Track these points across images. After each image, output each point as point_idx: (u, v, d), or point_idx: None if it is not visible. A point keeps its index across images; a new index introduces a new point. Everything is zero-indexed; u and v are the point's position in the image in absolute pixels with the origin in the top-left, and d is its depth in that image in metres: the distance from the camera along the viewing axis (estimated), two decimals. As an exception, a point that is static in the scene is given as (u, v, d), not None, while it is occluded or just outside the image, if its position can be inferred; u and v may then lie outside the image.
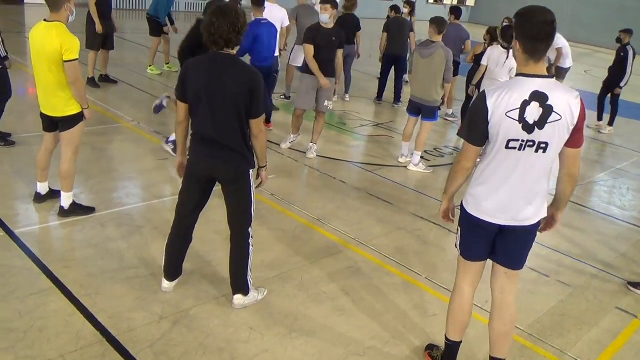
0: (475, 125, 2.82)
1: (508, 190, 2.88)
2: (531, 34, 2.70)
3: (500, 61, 7.16)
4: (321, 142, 7.13)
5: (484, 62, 7.44)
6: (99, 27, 8.24)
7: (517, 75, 2.84)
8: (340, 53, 6.74)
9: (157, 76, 9.91)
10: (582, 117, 2.74)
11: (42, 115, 4.53)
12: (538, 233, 3.14)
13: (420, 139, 6.79)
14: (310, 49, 6.46)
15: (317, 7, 9.69)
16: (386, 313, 3.94)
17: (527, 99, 2.69)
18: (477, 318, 3.94)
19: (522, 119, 2.70)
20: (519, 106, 2.69)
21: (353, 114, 9.26)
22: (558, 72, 11.00)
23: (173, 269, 3.82)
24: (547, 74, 2.78)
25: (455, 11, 9.68)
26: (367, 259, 4.65)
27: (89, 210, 4.76)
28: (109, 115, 7.49)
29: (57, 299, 3.60)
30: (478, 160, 3.00)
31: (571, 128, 2.75)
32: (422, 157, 7.01)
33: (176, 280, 3.85)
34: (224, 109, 3.34)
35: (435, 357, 3.44)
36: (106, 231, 4.55)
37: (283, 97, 9.38)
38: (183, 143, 3.64)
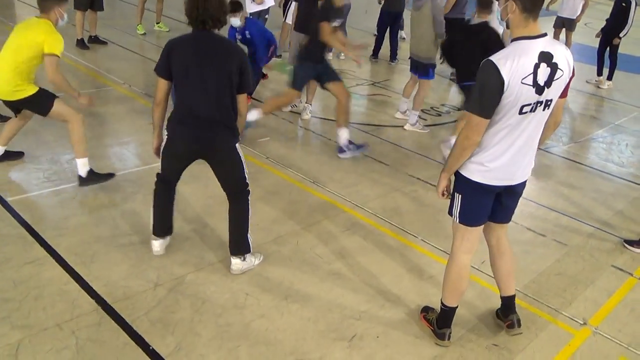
0: (489, 99, 2.70)
1: (515, 152, 2.87)
2: None
3: None
4: (316, 102, 7.03)
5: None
6: None
7: (518, 38, 2.70)
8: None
9: (148, 36, 9.69)
10: (573, 68, 2.83)
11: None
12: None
13: (417, 97, 6.68)
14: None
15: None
16: (382, 276, 3.94)
17: (537, 61, 2.65)
18: (474, 279, 3.95)
19: (535, 83, 2.66)
20: (532, 70, 2.65)
21: (349, 73, 9.10)
22: (570, 24, 10.78)
23: (163, 224, 3.79)
24: (542, 32, 2.71)
25: None
26: (362, 221, 4.63)
27: (108, 176, 4.71)
28: (99, 78, 7.35)
29: (52, 268, 3.59)
30: None
31: (567, 80, 2.79)
32: (419, 117, 6.92)
33: (167, 239, 3.83)
34: (216, 85, 3.30)
35: (430, 319, 3.45)
36: (99, 198, 4.51)
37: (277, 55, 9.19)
38: (160, 125, 3.59)
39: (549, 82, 2.69)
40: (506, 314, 3.44)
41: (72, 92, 4.48)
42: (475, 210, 3.07)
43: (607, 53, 10.04)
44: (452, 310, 3.32)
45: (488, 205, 3.08)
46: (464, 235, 3.15)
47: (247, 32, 6.55)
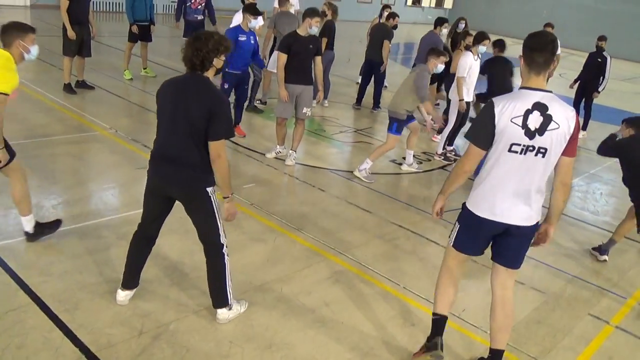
0: (484, 130, 3.13)
1: (509, 192, 3.16)
2: (532, 46, 3.09)
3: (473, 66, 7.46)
4: (300, 148, 7.17)
5: (463, 73, 7.48)
6: (70, 33, 8.13)
7: (521, 87, 3.16)
8: (319, 60, 6.78)
9: (135, 81, 9.83)
10: (577, 128, 3.09)
11: None
12: (530, 247, 3.41)
13: (378, 149, 6.90)
14: (283, 57, 6.51)
15: (293, 10, 9.83)
16: (365, 324, 3.99)
17: (530, 108, 3.03)
18: (455, 327, 4.02)
19: (524, 125, 3.03)
20: (523, 114, 3.03)
21: (332, 120, 9.31)
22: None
23: (132, 277, 3.81)
24: (546, 88, 3.10)
25: (499, 45, 9.70)
26: (345, 268, 4.70)
27: (55, 224, 4.53)
28: (85, 122, 7.43)
29: (36, 315, 3.58)
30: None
31: (567, 137, 3.07)
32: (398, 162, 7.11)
33: (132, 291, 3.84)
34: (182, 129, 3.40)
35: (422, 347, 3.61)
36: (84, 243, 4.52)
37: (259, 102, 9.38)
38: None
39: (541, 130, 3.02)
40: None
41: (1, 140, 4.01)
42: (468, 242, 3.41)
43: (582, 104, 10.42)
44: (444, 318, 3.55)
45: (480, 241, 3.38)
46: (453, 256, 3.51)
47: (252, 36, 7.19)
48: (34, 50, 4.16)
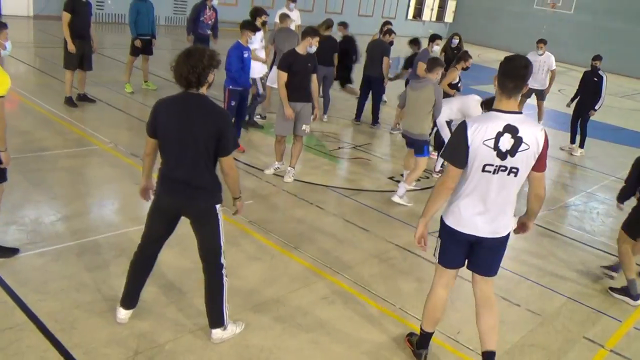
0: (457, 151, 3.31)
1: (483, 207, 3.37)
2: (505, 72, 3.27)
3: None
4: (299, 165, 7.21)
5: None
6: (70, 47, 8.21)
7: (493, 109, 3.34)
8: (314, 78, 6.84)
9: (136, 95, 9.88)
10: (545, 146, 3.29)
11: None
12: (513, 240, 3.74)
13: (413, 174, 6.76)
14: (284, 76, 6.57)
15: (293, 26, 9.93)
16: (360, 345, 4.01)
17: (501, 130, 3.21)
18: (448, 349, 4.04)
19: (496, 147, 3.22)
20: (494, 136, 3.21)
21: (331, 136, 9.36)
22: (541, 94, 11.41)
23: (130, 298, 3.83)
24: (517, 110, 3.29)
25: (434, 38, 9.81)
26: (342, 288, 4.72)
27: (12, 251, 4.43)
28: (85, 136, 7.47)
29: (32, 334, 3.60)
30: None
31: (537, 155, 3.28)
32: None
33: (132, 310, 3.85)
34: (192, 149, 3.42)
35: (412, 341, 3.98)
36: (82, 261, 4.54)
37: (259, 117, 9.43)
38: (149, 169, 3.76)
39: (512, 152, 3.21)
40: None
41: (3, 142, 4.07)
42: (449, 255, 3.60)
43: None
44: (429, 334, 3.84)
45: (460, 252, 3.57)
46: (441, 274, 3.69)
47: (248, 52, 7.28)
48: (9, 45, 4.17)
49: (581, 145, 10.51)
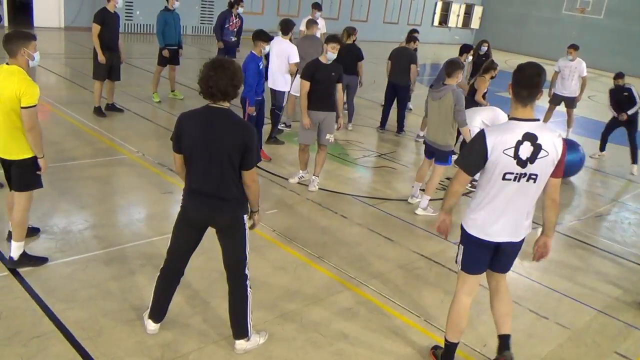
0: (473, 159, 3.41)
1: (504, 214, 3.44)
2: (520, 82, 3.31)
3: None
4: (323, 173, 7.21)
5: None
6: (101, 58, 8.36)
7: (510, 118, 3.40)
8: (339, 87, 6.83)
9: (163, 104, 10.01)
10: (564, 152, 3.35)
11: None
12: (535, 263, 3.91)
13: (431, 183, 6.67)
14: (306, 85, 6.60)
15: (319, 34, 9.94)
16: (384, 357, 3.98)
17: (520, 139, 3.27)
18: (474, 365, 3.98)
19: (516, 156, 3.28)
20: (514, 145, 3.27)
21: (356, 144, 9.34)
22: (571, 102, 11.16)
23: (160, 311, 3.86)
24: (534, 117, 3.34)
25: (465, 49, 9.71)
26: (366, 299, 4.69)
27: (42, 260, 4.53)
28: (113, 146, 7.59)
29: (59, 343, 3.65)
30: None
31: (555, 162, 3.34)
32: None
33: (161, 322, 3.88)
34: (219, 163, 3.43)
35: (437, 354, 3.96)
36: (109, 270, 4.60)
37: (284, 125, 9.46)
38: (184, 189, 3.70)
39: (532, 159, 3.28)
40: (501, 350, 3.79)
41: (40, 150, 4.25)
42: (473, 261, 3.65)
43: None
44: (454, 345, 3.81)
45: (484, 258, 3.63)
46: (465, 280, 3.72)
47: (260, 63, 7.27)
48: (37, 56, 4.29)
49: (634, 161, 9.89)
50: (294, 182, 7.09)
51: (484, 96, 8.41)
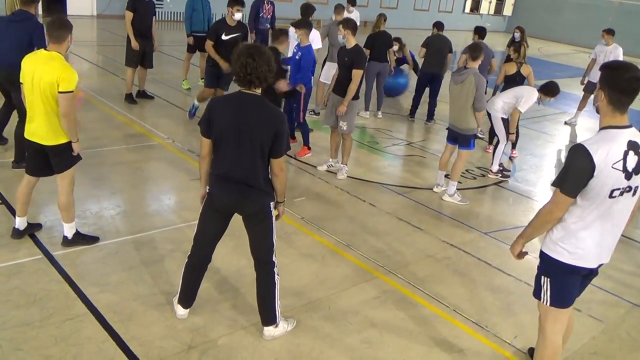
0: (577, 181, 2.93)
1: (606, 235, 3.07)
2: (619, 87, 2.88)
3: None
4: (352, 161, 7.17)
5: (524, 108, 7.36)
6: (134, 44, 8.42)
7: (606, 127, 2.97)
8: (353, 74, 6.49)
9: (193, 91, 10.07)
10: None
11: (28, 144, 4.40)
12: None
13: (455, 168, 6.61)
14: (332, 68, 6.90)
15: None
16: (412, 347, 3.95)
17: (626, 149, 2.90)
18: (506, 355, 3.92)
19: (624, 169, 2.90)
20: (622, 157, 2.89)
21: (385, 132, 9.26)
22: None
23: (189, 297, 3.89)
24: (629, 123, 2.97)
25: (480, 31, 9.55)
26: (395, 288, 4.66)
27: (93, 239, 4.72)
28: (144, 132, 7.67)
29: (91, 325, 3.72)
30: None
31: None
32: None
33: (190, 307, 3.92)
34: (249, 150, 3.42)
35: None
36: (140, 254, 4.66)
37: (312, 113, 9.43)
38: (205, 176, 3.69)
39: (636, 169, 2.92)
40: None
41: (74, 135, 4.33)
42: (566, 292, 3.21)
43: None
44: None
45: (576, 285, 3.23)
46: (556, 317, 3.26)
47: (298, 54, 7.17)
48: (70, 47, 4.39)
49: None
50: (322, 169, 7.07)
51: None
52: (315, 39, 8.24)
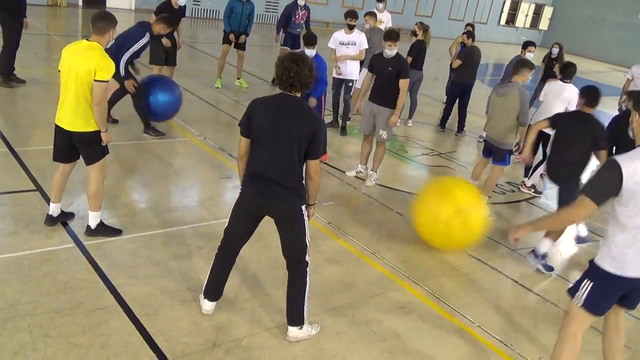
0: (606, 190, 3.07)
1: None
2: None
3: (559, 95, 7.10)
4: (381, 169, 7.14)
5: (541, 97, 7.32)
6: (165, 41, 8.37)
7: None
8: (402, 84, 6.50)
9: (227, 91, 10.15)
10: None
11: (56, 129, 4.45)
12: None
13: (488, 182, 6.55)
14: (368, 75, 6.82)
15: (383, 27, 9.85)
16: (435, 359, 3.92)
17: None
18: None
19: None
20: None
21: (415, 141, 9.22)
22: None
23: (216, 290, 3.92)
24: None
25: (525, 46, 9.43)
26: (419, 299, 4.63)
27: (116, 232, 4.75)
28: (177, 127, 7.75)
29: (119, 317, 3.77)
30: None
31: None
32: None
33: (216, 302, 3.94)
34: (286, 150, 3.46)
35: None
36: (169, 249, 4.71)
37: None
38: (243, 175, 3.73)
39: None
40: None
41: (104, 124, 4.39)
42: (603, 302, 3.32)
43: None
44: None
45: (616, 297, 3.32)
46: (584, 319, 3.37)
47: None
48: (112, 41, 4.49)
49: None
50: (351, 175, 7.07)
51: None
52: (363, 41, 8.47)
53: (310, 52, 6.74)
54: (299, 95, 3.53)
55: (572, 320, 3.38)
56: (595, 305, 3.30)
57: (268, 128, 3.47)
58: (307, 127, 3.46)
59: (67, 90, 4.31)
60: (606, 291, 3.28)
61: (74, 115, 4.32)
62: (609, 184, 3.05)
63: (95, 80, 4.20)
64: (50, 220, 4.70)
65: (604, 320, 3.58)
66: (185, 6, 8.87)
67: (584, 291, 3.29)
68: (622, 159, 3.03)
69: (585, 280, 3.31)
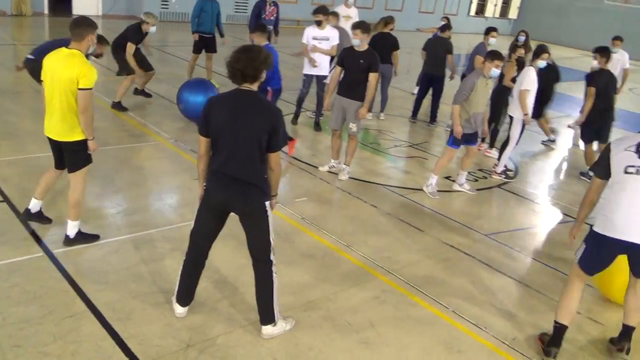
0: (602, 162, 3.75)
1: (626, 208, 3.60)
2: None
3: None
4: (354, 163, 7.16)
5: (529, 86, 7.37)
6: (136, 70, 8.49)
7: None
8: (371, 77, 6.54)
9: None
10: None
11: (48, 139, 4.48)
12: None
13: (466, 160, 7.02)
14: (336, 70, 6.82)
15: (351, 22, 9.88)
16: (411, 348, 3.94)
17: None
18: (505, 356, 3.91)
19: (637, 151, 3.58)
20: (635, 143, 3.62)
21: (387, 133, 9.26)
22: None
23: (187, 295, 3.90)
24: None
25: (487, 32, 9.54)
26: (394, 288, 4.65)
27: (94, 237, 4.72)
28: (147, 132, 7.69)
29: (90, 323, 3.73)
30: None
31: None
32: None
33: (188, 306, 3.92)
34: (247, 145, 3.45)
35: (544, 340, 4.03)
36: (140, 253, 4.67)
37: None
38: (203, 176, 3.71)
39: None
40: (620, 339, 4.01)
41: (90, 132, 4.36)
42: (592, 261, 3.82)
43: None
44: (564, 328, 3.91)
45: (605, 260, 3.80)
46: (579, 274, 3.90)
47: None
48: (93, 47, 4.44)
49: None
50: (324, 170, 7.07)
51: (513, 80, 8.21)
52: (335, 37, 8.50)
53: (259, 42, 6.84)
54: (254, 88, 3.51)
55: (572, 271, 3.94)
56: (586, 263, 3.81)
57: (226, 125, 3.45)
58: (265, 121, 3.45)
59: (52, 100, 4.28)
60: (595, 251, 3.76)
61: (62, 124, 4.30)
62: (603, 158, 3.76)
63: (79, 89, 4.17)
64: (27, 215, 4.70)
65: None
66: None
67: (580, 250, 3.83)
68: (616, 139, 3.74)
69: (582, 242, 3.83)
